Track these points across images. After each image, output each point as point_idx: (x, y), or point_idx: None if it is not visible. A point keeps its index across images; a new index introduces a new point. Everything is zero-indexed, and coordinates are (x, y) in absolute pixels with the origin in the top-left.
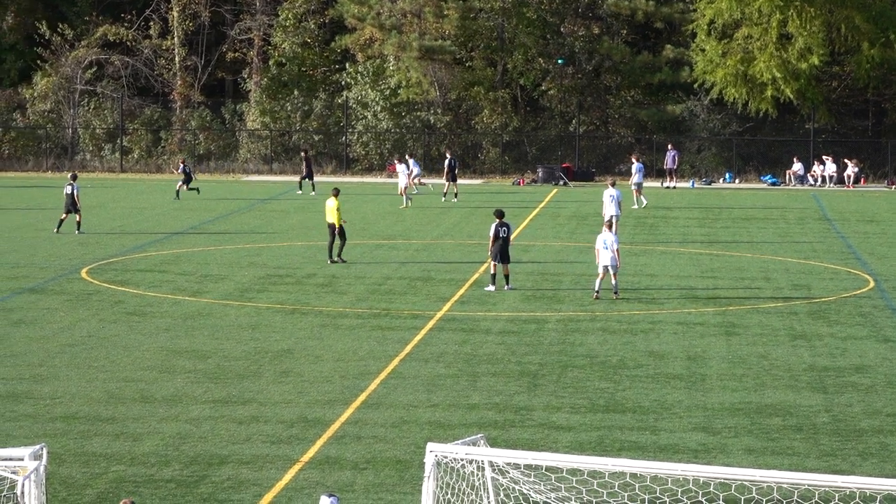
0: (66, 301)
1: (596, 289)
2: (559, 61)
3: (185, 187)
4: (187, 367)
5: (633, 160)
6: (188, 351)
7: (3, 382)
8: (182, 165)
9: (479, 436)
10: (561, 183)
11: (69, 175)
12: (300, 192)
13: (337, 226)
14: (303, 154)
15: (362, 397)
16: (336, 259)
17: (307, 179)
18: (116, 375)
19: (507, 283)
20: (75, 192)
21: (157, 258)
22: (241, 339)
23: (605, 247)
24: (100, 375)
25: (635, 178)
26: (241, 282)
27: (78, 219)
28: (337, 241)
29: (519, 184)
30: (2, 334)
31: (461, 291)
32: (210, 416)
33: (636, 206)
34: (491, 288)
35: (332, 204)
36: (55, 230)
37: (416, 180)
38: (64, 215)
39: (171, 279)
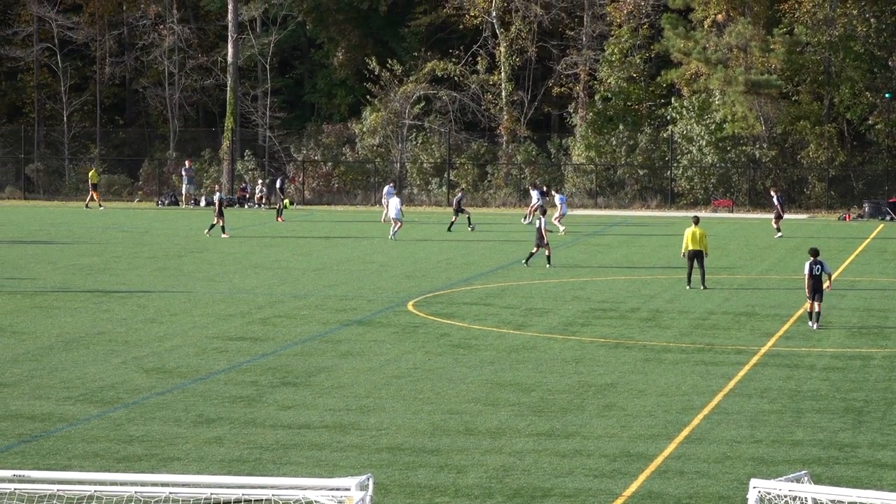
0: (392, 333)
1: None
2: (886, 95)
3: (455, 217)
4: (511, 399)
5: None
6: (512, 384)
7: (330, 413)
8: (460, 194)
9: (802, 472)
10: (888, 218)
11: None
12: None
13: (706, 253)
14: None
15: (685, 432)
16: (705, 286)
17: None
18: (441, 407)
19: (817, 321)
20: (542, 225)
21: (482, 291)
22: (564, 372)
23: None
24: (425, 407)
25: None
26: (565, 315)
27: (547, 252)
28: (696, 269)
29: (845, 219)
30: (330, 365)
31: (785, 327)
32: (533, 449)
33: None
34: (811, 325)
35: (698, 232)
36: (524, 262)
37: (534, 210)
38: (535, 249)
39: (495, 312)
